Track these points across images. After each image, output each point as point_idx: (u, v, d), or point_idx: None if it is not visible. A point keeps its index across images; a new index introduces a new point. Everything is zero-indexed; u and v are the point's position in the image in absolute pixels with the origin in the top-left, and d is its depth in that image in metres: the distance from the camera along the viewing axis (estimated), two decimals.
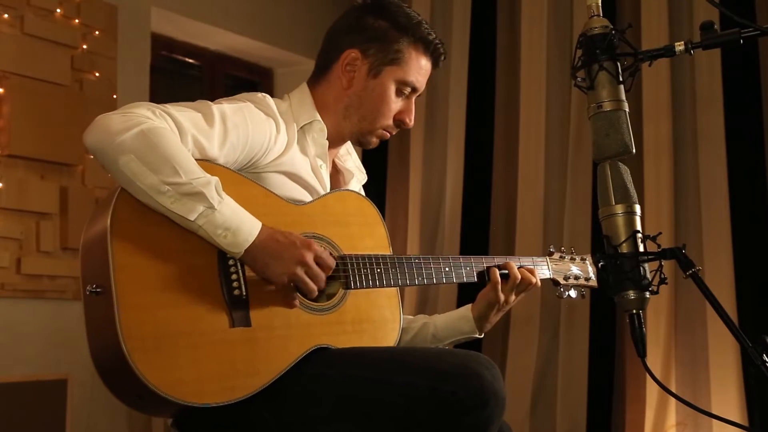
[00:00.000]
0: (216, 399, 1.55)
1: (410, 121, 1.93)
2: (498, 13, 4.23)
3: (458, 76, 4.27)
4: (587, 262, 2.19)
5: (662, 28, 3.62)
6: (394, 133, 1.96)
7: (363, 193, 2.07)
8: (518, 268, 1.98)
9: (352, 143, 2.00)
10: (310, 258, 1.63)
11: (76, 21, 3.63)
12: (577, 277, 2.14)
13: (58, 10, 3.58)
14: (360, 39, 1.88)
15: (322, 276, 1.66)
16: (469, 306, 2.05)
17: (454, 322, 2.04)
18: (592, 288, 2.18)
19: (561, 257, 2.14)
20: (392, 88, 1.88)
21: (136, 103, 1.62)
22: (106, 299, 1.51)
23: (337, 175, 2.02)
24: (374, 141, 1.95)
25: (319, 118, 1.88)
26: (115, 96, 3.72)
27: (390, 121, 1.91)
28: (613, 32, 1.46)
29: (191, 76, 4.62)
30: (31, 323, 3.43)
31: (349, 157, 2.06)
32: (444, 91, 4.30)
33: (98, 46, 3.70)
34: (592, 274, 2.17)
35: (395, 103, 1.90)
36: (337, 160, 2.03)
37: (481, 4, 4.29)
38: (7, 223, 3.35)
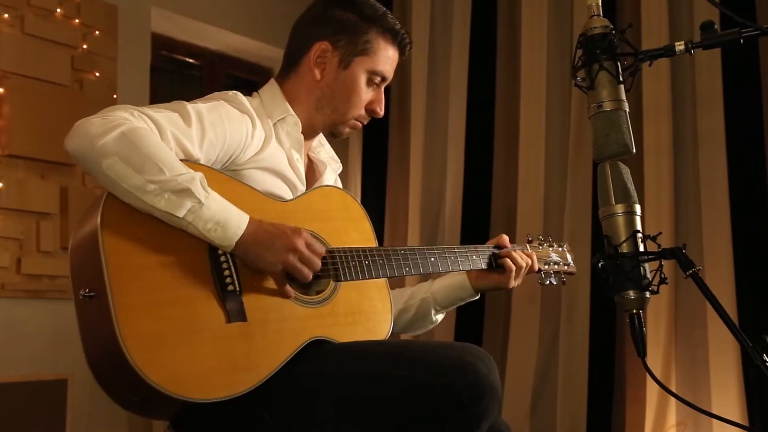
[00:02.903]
0: (219, 394, 1.55)
1: (381, 110, 1.98)
2: (498, 13, 4.23)
3: (458, 76, 4.27)
4: (565, 248, 2.29)
5: (662, 28, 3.62)
6: (365, 123, 2.00)
7: (339, 181, 2.11)
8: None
9: (325, 134, 2.03)
10: (301, 244, 1.65)
11: (76, 21, 3.63)
12: (557, 263, 2.22)
13: (58, 10, 3.58)
14: (329, 31, 1.92)
15: (316, 261, 1.68)
16: (463, 275, 2.11)
17: (453, 291, 2.13)
18: (571, 274, 2.28)
19: (540, 244, 2.23)
20: (363, 79, 1.93)
21: (114, 106, 1.63)
22: (100, 302, 1.51)
23: (311, 166, 2.04)
24: (346, 131, 1.99)
25: (293, 113, 1.90)
26: (115, 96, 3.72)
27: (362, 111, 1.96)
28: (613, 32, 1.46)
29: (191, 76, 4.62)
30: (31, 323, 3.43)
31: (322, 148, 2.09)
32: (444, 91, 4.30)
33: (98, 46, 3.70)
34: (570, 261, 2.28)
35: (366, 93, 1.94)
36: (310, 153, 2.05)
37: (481, 4, 4.29)
38: (7, 223, 3.35)
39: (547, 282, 2.20)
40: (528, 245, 2.19)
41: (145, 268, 1.55)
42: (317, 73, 1.91)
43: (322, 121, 1.95)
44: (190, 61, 4.53)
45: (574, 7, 3.92)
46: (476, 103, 4.24)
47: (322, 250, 1.71)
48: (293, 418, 1.64)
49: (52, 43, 3.54)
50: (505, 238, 2.13)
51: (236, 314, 1.61)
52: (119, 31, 3.80)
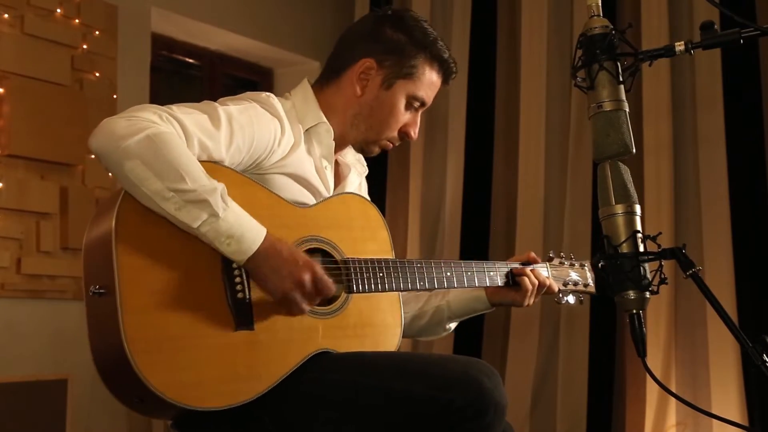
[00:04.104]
0: (217, 403, 1.55)
1: (414, 134, 1.96)
2: (498, 13, 4.23)
3: (458, 77, 4.22)
4: (586, 268, 2.21)
5: (662, 28, 3.62)
6: (396, 144, 1.98)
7: (365, 185, 2.08)
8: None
9: (354, 149, 2.00)
10: (308, 279, 1.61)
11: (76, 21, 3.63)
12: (575, 283, 2.16)
13: (58, 10, 3.58)
14: (377, 49, 1.89)
15: (318, 298, 1.66)
16: (481, 289, 2.04)
17: (468, 303, 2.06)
18: (590, 294, 2.21)
19: (560, 263, 2.16)
20: (402, 102, 1.91)
21: (141, 106, 1.61)
22: (109, 300, 1.50)
23: (336, 168, 2.01)
24: (376, 150, 1.97)
25: (325, 120, 1.87)
26: (115, 96, 3.72)
27: (395, 133, 1.94)
28: (613, 32, 1.46)
29: (191, 76, 4.62)
30: (31, 323, 3.43)
31: (349, 149, 2.05)
32: (444, 92, 4.28)
33: (98, 46, 3.70)
34: (590, 281, 2.20)
35: (403, 116, 1.93)
36: (337, 156, 2.02)
37: (481, 4, 4.29)
38: (7, 223, 3.35)
39: (564, 301, 2.13)
40: (548, 264, 2.12)
41: (156, 269, 1.54)
42: (358, 89, 1.88)
43: (355, 137, 1.92)
44: (190, 61, 4.53)
45: (574, 8, 3.92)
46: (476, 103, 4.24)
47: (331, 289, 1.66)
48: (293, 423, 1.64)
49: (52, 43, 3.54)
50: (533, 255, 2.08)
51: (244, 322, 1.60)
52: (119, 31, 3.80)
